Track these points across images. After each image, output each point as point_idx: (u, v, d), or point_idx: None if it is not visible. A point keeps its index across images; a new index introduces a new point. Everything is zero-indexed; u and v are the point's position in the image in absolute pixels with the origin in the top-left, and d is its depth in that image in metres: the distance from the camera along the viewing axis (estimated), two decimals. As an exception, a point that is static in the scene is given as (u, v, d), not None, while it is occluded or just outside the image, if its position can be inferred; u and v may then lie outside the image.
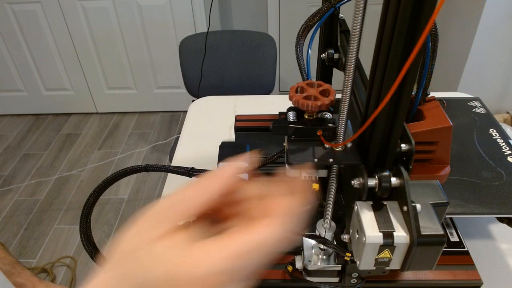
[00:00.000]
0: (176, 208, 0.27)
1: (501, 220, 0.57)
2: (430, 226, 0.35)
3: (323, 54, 0.60)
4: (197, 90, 1.64)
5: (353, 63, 0.35)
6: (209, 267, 0.24)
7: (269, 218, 0.27)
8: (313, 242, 0.54)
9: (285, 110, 0.46)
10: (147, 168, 0.56)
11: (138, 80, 2.42)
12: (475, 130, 0.70)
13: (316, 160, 0.41)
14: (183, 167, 0.56)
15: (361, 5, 0.32)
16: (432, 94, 0.51)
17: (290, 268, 0.54)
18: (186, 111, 1.00)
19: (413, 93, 0.50)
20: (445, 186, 0.42)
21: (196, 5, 2.11)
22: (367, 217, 0.38)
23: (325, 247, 0.52)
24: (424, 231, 0.35)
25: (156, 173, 2.12)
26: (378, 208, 0.39)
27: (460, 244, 0.56)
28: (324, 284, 0.53)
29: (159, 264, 0.24)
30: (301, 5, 2.24)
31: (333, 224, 0.51)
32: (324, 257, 0.52)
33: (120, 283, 0.24)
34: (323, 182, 0.47)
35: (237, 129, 0.79)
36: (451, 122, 0.47)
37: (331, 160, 0.41)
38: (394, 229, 0.37)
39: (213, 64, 1.62)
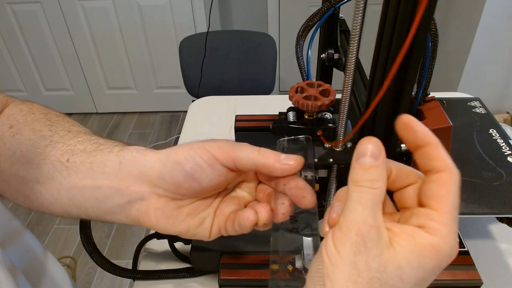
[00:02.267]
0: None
1: (501, 220, 0.57)
2: (430, 226, 0.35)
3: (323, 54, 0.60)
4: (197, 90, 1.64)
5: (353, 63, 0.35)
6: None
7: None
8: (313, 242, 0.54)
9: (285, 110, 0.46)
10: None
11: (138, 80, 2.42)
12: (475, 130, 0.70)
13: (316, 160, 0.41)
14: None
15: (361, 5, 0.32)
16: (432, 94, 0.51)
17: (290, 267, 0.54)
18: (186, 111, 1.00)
19: (413, 93, 0.50)
20: (445, 186, 0.42)
21: (196, 5, 2.11)
22: (367, 217, 0.38)
23: (325, 247, 0.52)
24: (424, 231, 0.35)
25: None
26: (378, 208, 0.39)
27: (460, 244, 0.56)
28: (324, 284, 0.52)
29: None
30: (301, 5, 2.24)
31: (333, 224, 0.51)
32: (324, 257, 0.52)
33: None
34: (323, 182, 0.47)
35: (237, 129, 0.79)
36: (451, 122, 0.47)
37: (331, 160, 0.41)
38: (394, 229, 0.37)
39: (213, 64, 1.62)
